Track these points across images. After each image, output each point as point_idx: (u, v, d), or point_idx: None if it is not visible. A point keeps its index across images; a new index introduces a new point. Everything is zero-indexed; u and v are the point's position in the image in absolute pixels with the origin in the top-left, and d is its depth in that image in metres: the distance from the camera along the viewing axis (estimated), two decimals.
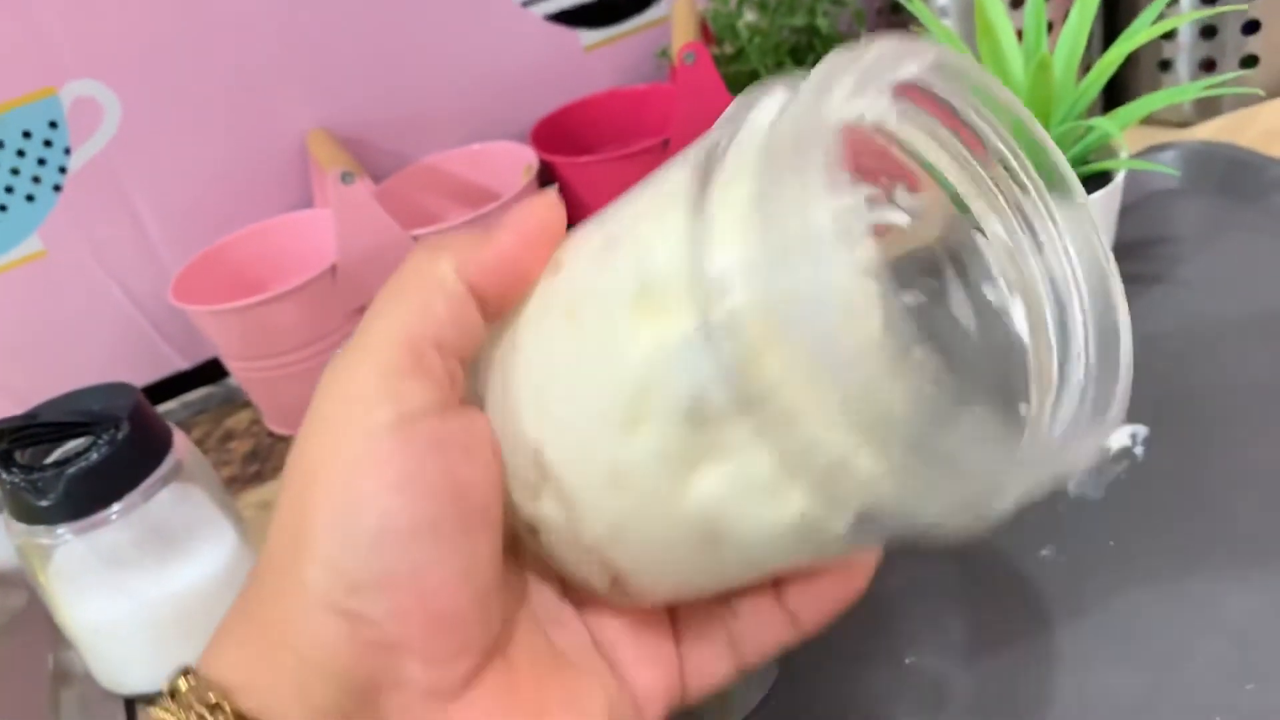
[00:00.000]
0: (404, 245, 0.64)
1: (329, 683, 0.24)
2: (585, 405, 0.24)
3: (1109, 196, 0.52)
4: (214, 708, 0.24)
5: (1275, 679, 0.37)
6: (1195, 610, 0.39)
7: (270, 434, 0.69)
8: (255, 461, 0.67)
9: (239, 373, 0.67)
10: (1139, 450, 0.47)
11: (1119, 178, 0.52)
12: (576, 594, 0.29)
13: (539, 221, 0.27)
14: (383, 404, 0.24)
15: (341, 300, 0.64)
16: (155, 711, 0.25)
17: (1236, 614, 0.39)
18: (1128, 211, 0.57)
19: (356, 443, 0.24)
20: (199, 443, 0.70)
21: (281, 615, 0.25)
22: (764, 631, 0.29)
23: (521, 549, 0.29)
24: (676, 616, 0.30)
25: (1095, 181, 0.52)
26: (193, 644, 0.50)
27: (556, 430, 0.25)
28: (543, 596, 0.30)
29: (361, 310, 0.63)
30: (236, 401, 0.74)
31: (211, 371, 0.75)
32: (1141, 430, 0.48)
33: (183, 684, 0.25)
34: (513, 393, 0.26)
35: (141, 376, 0.72)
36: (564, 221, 0.27)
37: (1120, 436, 0.48)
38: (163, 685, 0.25)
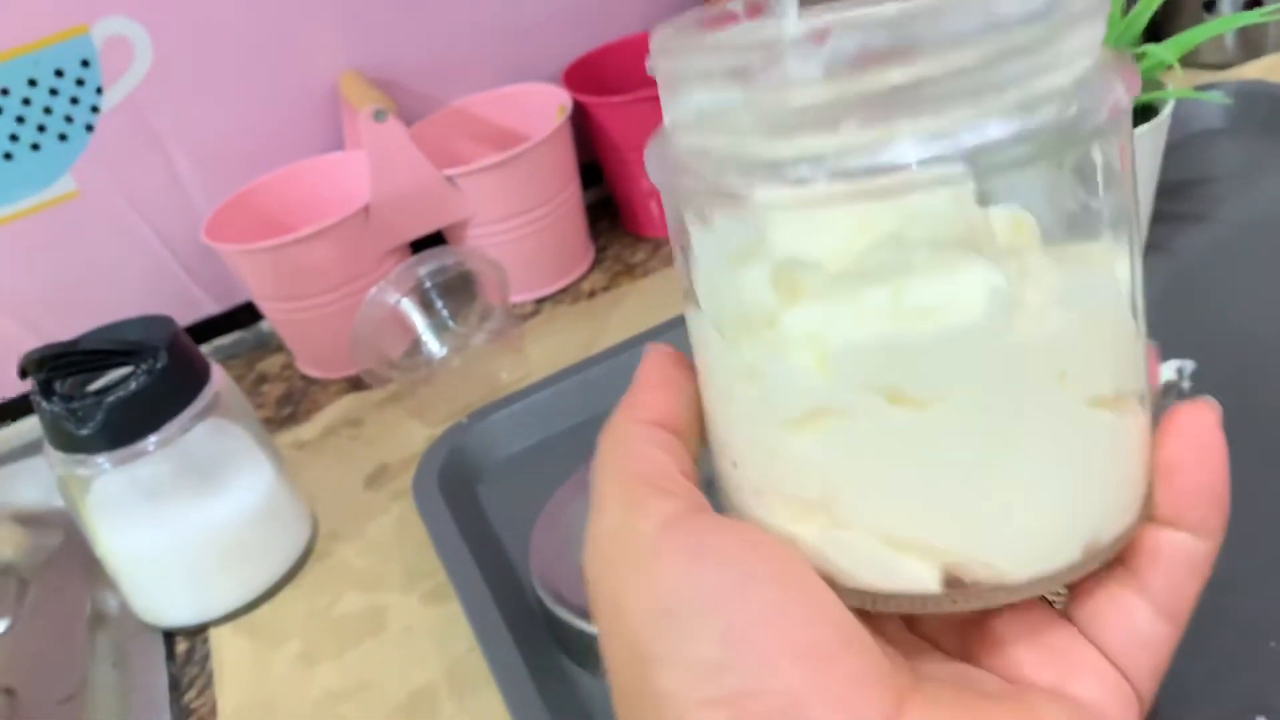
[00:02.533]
0: (437, 185, 0.64)
1: None
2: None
3: (1156, 130, 0.51)
4: None
5: None
6: (1243, 541, 0.38)
7: (303, 377, 0.69)
8: (289, 404, 0.67)
9: (272, 314, 0.67)
10: (1186, 385, 0.47)
11: (1166, 110, 0.51)
12: (960, 639, 0.27)
13: (663, 360, 0.29)
14: (642, 522, 0.25)
15: (374, 241, 0.63)
16: None
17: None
18: (1172, 151, 0.56)
19: (640, 553, 0.25)
20: None
21: None
22: (1170, 556, 0.26)
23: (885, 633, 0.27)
24: (1075, 615, 0.27)
25: (1142, 115, 0.51)
26: (230, 577, 0.52)
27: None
28: (928, 660, 0.27)
29: (395, 253, 0.64)
30: (269, 345, 0.74)
31: (243, 316, 0.75)
32: (1189, 365, 0.47)
33: None
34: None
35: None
36: (676, 352, 0.29)
37: (1168, 371, 0.47)
38: None
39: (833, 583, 0.24)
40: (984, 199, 0.22)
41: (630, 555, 0.25)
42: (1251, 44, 0.69)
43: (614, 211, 0.76)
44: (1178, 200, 0.58)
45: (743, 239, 0.24)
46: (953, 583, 0.24)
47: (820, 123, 0.22)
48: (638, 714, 0.24)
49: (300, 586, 0.52)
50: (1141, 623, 0.26)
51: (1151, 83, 0.53)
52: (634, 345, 0.58)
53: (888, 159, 0.21)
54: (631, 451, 0.27)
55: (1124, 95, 0.22)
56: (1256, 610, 0.37)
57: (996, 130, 0.21)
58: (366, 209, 0.62)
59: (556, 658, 0.43)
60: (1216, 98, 0.60)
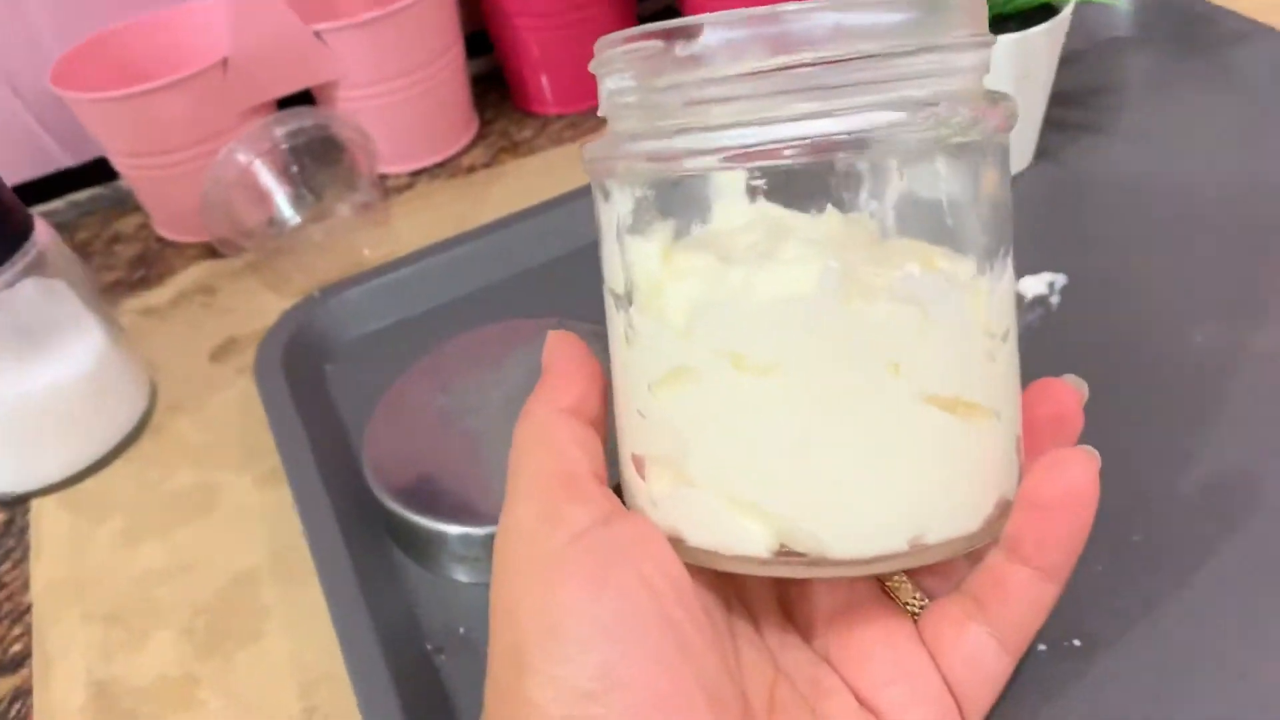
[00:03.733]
0: (303, 40, 0.59)
1: None
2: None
3: (1054, 31, 0.49)
4: None
5: (1162, 523, 0.36)
6: (1121, 478, 0.38)
7: (159, 239, 0.65)
8: (141, 267, 0.63)
9: (126, 171, 0.62)
10: (1055, 300, 0.45)
11: (1066, 11, 0.49)
12: (827, 636, 0.30)
13: (569, 348, 0.30)
14: (554, 532, 0.26)
15: (234, 96, 0.59)
16: None
17: (1137, 463, 0.38)
18: (1073, 58, 0.54)
19: (544, 565, 0.26)
20: (85, 245, 0.66)
21: None
22: (1018, 597, 0.28)
23: (762, 626, 0.30)
24: (924, 633, 0.30)
25: (1042, 15, 0.49)
26: (55, 447, 0.49)
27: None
28: (796, 659, 0.30)
29: (258, 111, 0.60)
30: (127, 204, 0.69)
31: (101, 172, 0.70)
32: (1060, 279, 0.46)
33: None
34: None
35: (22, 172, 0.67)
36: (580, 339, 0.31)
37: (1038, 284, 0.46)
38: None
39: (680, 542, 0.27)
40: (843, 193, 0.25)
41: (536, 565, 0.26)
42: None
43: (504, 85, 0.72)
44: (1074, 108, 0.57)
45: (635, 211, 0.26)
46: (783, 550, 0.26)
47: (696, 109, 0.24)
48: (505, 710, 0.26)
49: (132, 460, 0.50)
50: (984, 654, 0.29)
51: None
52: (508, 225, 0.56)
53: (758, 140, 0.23)
54: (552, 446, 0.28)
55: (990, 124, 0.25)
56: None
57: (860, 122, 0.23)
58: (225, 61, 0.58)
59: (389, 551, 0.41)
60: (1117, 1, 0.58)
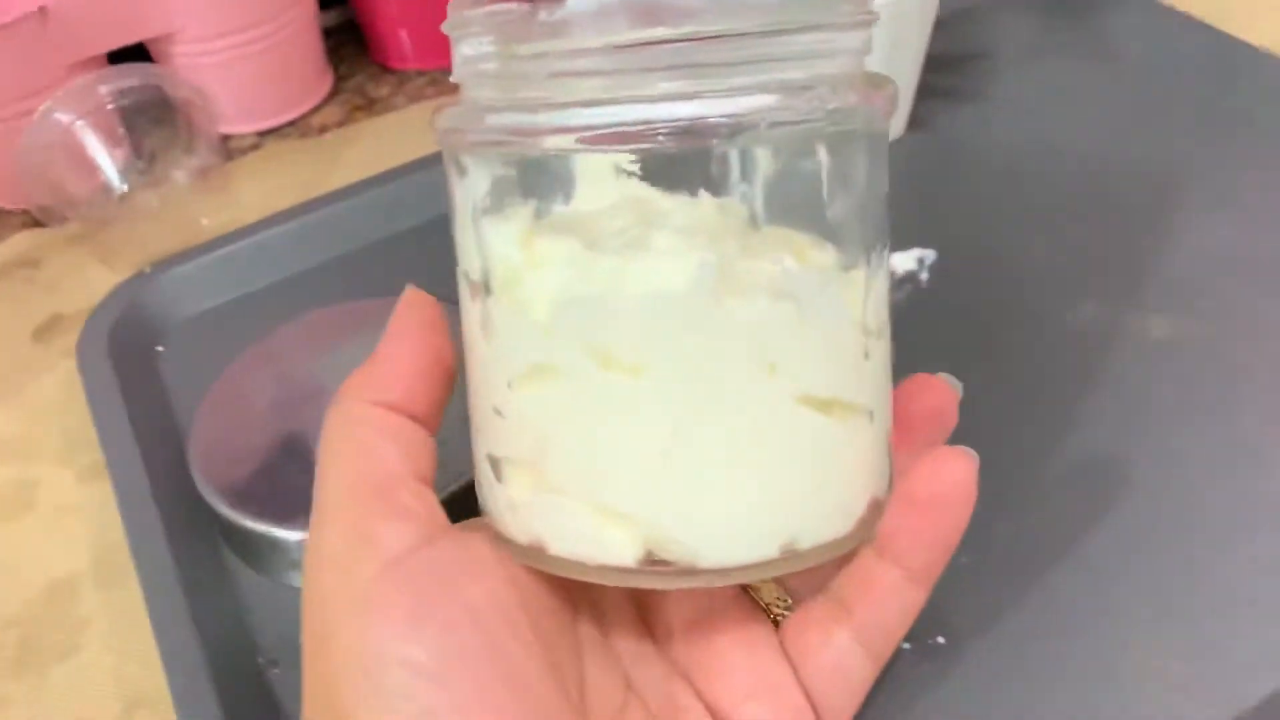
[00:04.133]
0: None
1: None
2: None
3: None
4: None
5: (1030, 510, 0.35)
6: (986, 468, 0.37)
7: None
8: None
9: None
10: (924, 276, 0.44)
11: None
12: (685, 646, 0.29)
13: (418, 319, 0.27)
14: (365, 559, 0.24)
15: (56, 50, 0.54)
16: None
17: (1006, 448, 0.37)
18: (946, 23, 0.53)
19: (355, 600, 0.23)
20: None
21: None
22: (885, 602, 0.27)
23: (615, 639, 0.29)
24: (787, 639, 0.28)
25: None
26: None
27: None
28: (650, 675, 0.28)
29: (81, 65, 0.55)
30: None
31: None
32: (930, 255, 0.45)
33: None
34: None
35: None
36: (436, 306, 0.27)
37: (907, 260, 0.45)
38: None
39: (541, 551, 0.25)
40: (717, 179, 0.23)
41: (347, 598, 0.24)
42: None
43: (360, 38, 0.68)
44: (947, 74, 0.55)
45: (493, 191, 0.24)
46: (650, 559, 0.24)
47: (561, 81, 0.22)
48: None
49: None
50: (849, 662, 0.28)
51: None
52: (360, 192, 0.52)
53: (625, 120, 0.22)
54: (363, 448, 0.25)
55: (872, 111, 0.23)
56: None
57: (734, 106, 0.22)
58: (44, 10, 0.53)
59: (219, 552, 0.38)
60: None
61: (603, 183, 0.23)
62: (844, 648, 0.27)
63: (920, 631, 0.32)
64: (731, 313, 0.23)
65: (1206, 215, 0.46)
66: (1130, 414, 0.38)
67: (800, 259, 0.23)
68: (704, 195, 0.23)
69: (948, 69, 0.56)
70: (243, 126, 0.61)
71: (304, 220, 0.51)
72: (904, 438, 0.28)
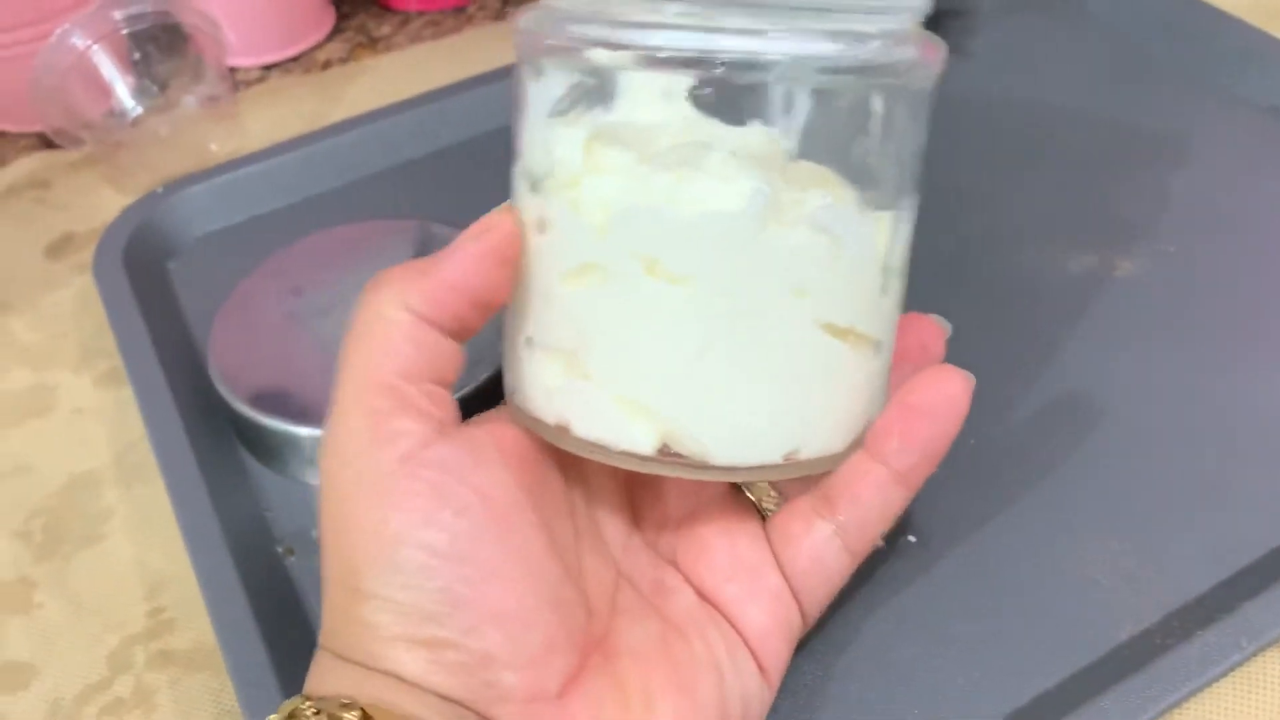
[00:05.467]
0: None
1: (434, 705, 0.25)
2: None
3: None
4: (345, 707, 0.24)
5: (1000, 421, 0.38)
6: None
7: None
8: None
9: None
10: None
11: None
12: (674, 537, 0.31)
13: (495, 248, 0.27)
14: (383, 449, 0.25)
15: None
16: None
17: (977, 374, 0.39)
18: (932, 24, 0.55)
19: (375, 489, 0.25)
20: None
21: (365, 652, 0.25)
22: (868, 500, 0.29)
23: (605, 531, 0.31)
24: (773, 530, 0.30)
25: None
26: None
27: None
28: (638, 562, 0.31)
29: None
30: None
31: None
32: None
33: (306, 707, 0.25)
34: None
35: None
36: (517, 243, 0.27)
37: None
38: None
39: (566, 431, 0.27)
40: (770, 113, 0.25)
41: (366, 487, 0.25)
42: None
43: None
44: (930, 29, 0.58)
45: (566, 96, 0.26)
46: (666, 451, 0.26)
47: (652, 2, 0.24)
48: (341, 631, 0.26)
49: None
50: (827, 551, 0.30)
51: None
52: (362, 124, 0.54)
53: (704, 46, 0.24)
54: (384, 345, 0.26)
55: (928, 69, 0.26)
56: None
57: (811, 46, 0.24)
58: None
59: (237, 453, 0.41)
60: None
61: (664, 101, 0.25)
62: (824, 539, 0.30)
63: (893, 531, 0.35)
64: (774, 238, 0.25)
65: (1166, 166, 0.49)
66: (1092, 343, 0.41)
67: (837, 197, 0.26)
68: (755, 125, 0.25)
69: (930, 24, 0.58)
70: (248, 60, 0.63)
71: (310, 149, 0.53)
72: (894, 365, 0.30)
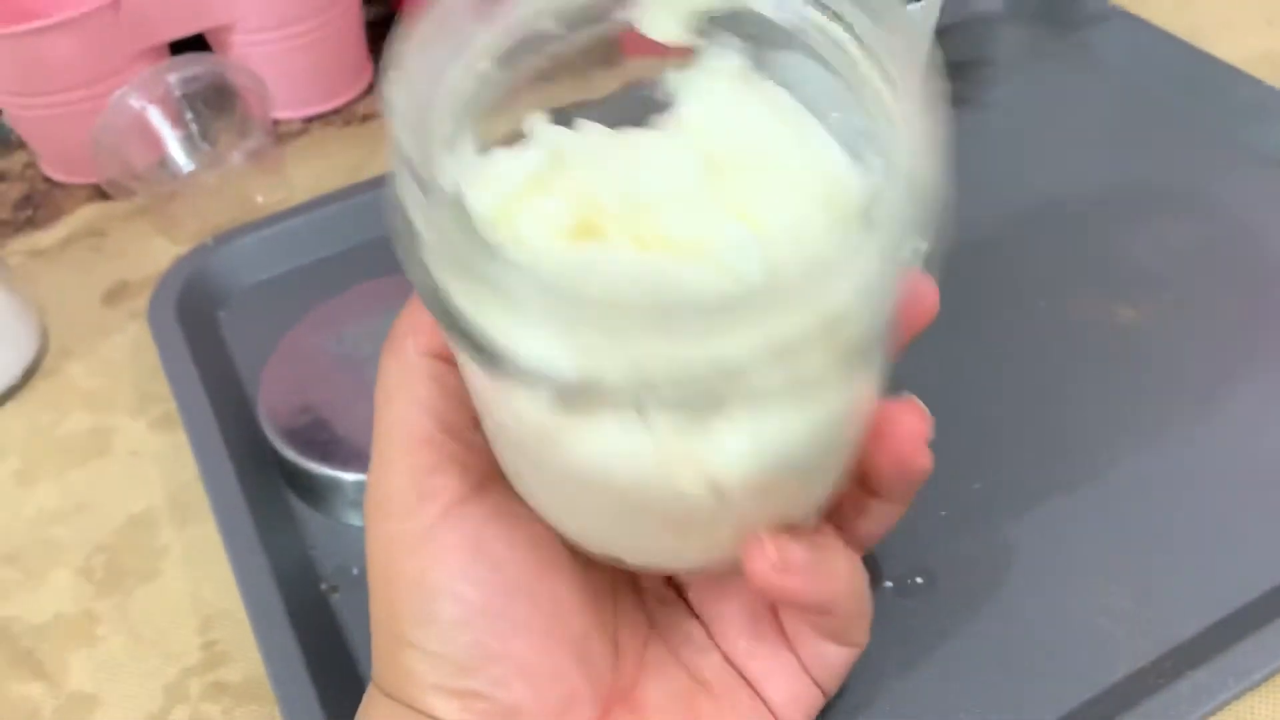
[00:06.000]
0: None
1: None
2: None
3: (928, 7, 0.52)
4: None
5: (1003, 468, 0.40)
6: (967, 433, 0.41)
7: (46, 179, 0.64)
8: (28, 207, 0.62)
9: (11, 110, 0.61)
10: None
11: None
12: (701, 595, 0.32)
13: None
14: (424, 504, 0.27)
15: (126, 38, 0.59)
16: None
17: (987, 414, 0.41)
18: (946, 32, 0.57)
19: (416, 542, 0.27)
20: None
21: (407, 694, 0.27)
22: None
23: (642, 581, 0.32)
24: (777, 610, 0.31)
25: None
26: None
27: None
28: (671, 614, 0.32)
29: (150, 54, 0.60)
30: (10, 142, 0.68)
31: None
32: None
33: None
34: None
35: None
36: None
37: None
38: None
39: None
40: None
41: (408, 541, 0.27)
42: None
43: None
44: (947, 79, 0.60)
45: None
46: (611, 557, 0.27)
47: None
48: (387, 673, 0.28)
49: (23, 403, 0.50)
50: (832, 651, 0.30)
51: None
52: None
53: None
54: (415, 399, 0.27)
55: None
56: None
57: None
58: (118, 2, 0.57)
59: (283, 494, 0.43)
60: None
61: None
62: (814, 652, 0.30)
63: (903, 572, 0.37)
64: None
65: (1174, 217, 0.51)
66: (1093, 390, 0.43)
67: None
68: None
69: (949, 75, 0.60)
70: (290, 113, 0.66)
71: (351, 201, 0.56)
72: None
